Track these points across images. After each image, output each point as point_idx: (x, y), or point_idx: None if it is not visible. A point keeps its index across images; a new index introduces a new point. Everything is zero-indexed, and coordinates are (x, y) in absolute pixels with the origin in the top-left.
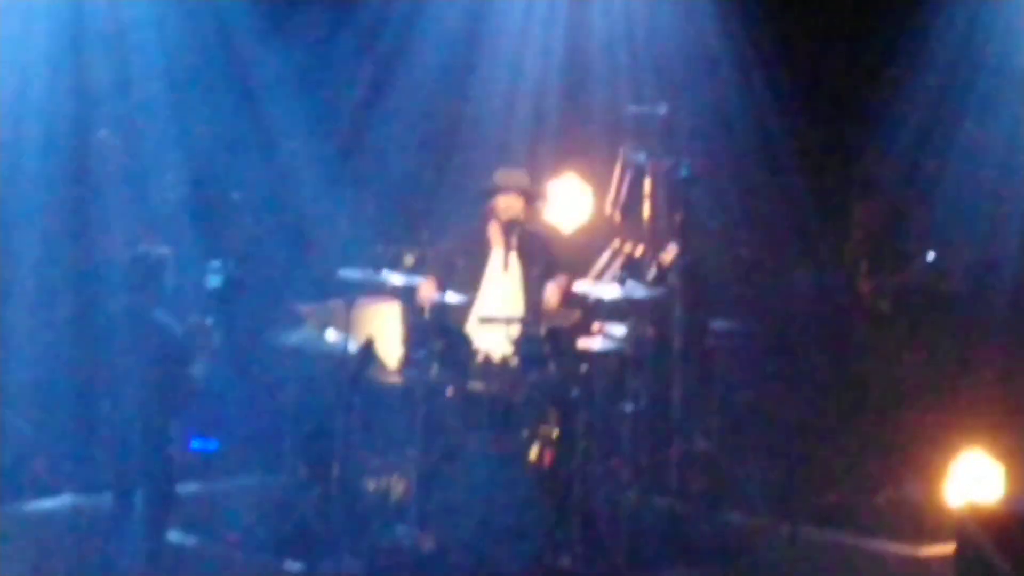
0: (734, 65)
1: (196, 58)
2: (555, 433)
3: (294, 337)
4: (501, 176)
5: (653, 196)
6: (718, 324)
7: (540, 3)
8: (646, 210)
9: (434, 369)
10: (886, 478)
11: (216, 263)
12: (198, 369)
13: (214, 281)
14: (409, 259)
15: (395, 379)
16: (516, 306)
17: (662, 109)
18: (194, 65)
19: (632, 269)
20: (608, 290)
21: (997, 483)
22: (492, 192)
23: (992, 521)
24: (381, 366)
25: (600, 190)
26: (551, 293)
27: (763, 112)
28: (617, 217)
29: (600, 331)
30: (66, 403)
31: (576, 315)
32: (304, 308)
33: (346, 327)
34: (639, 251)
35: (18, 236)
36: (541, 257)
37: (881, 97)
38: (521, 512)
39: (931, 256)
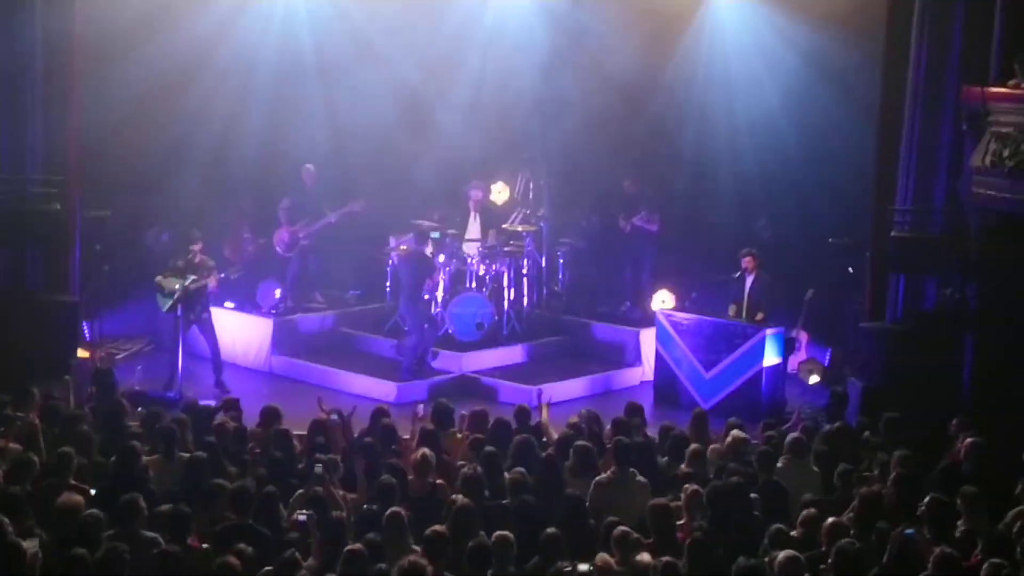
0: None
1: None
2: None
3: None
4: (473, 184)
5: (534, 190)
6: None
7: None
8: (530, 196)
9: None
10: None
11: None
12: None
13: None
14: (436, 216)
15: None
16: (478, 235)
17: (534, 153)
18: None
19: (524, 218)
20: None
21: (671, 302)
22: (469, 190)
23: (669, 317)
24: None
25: (513, 188)
26: (490, 235)
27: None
28: (518, 198)
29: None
30: None
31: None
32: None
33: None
34: (527, 213)
35: None
36: (488, 217)
37: None
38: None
39: None
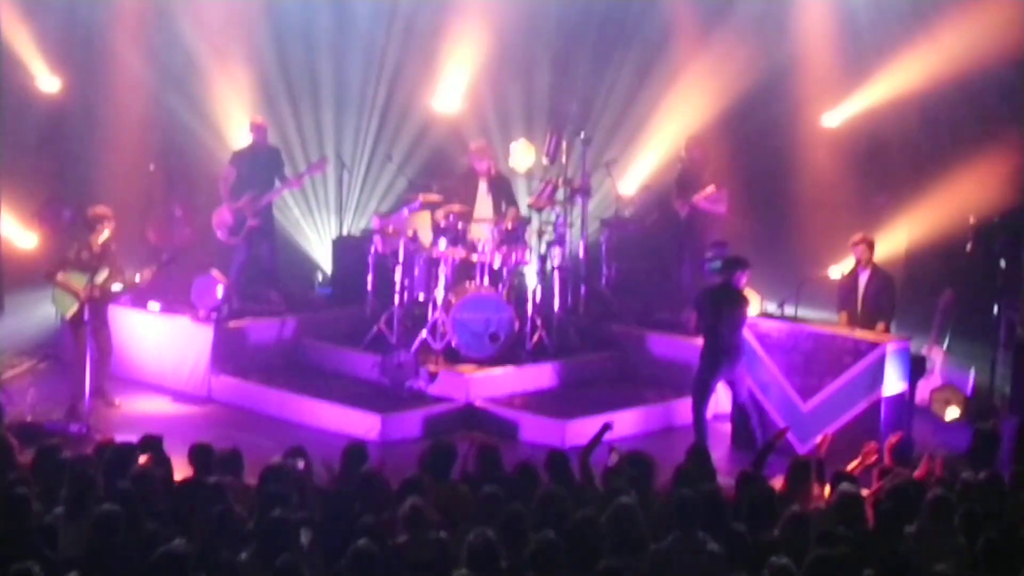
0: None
1: None
2: None
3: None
4: (479, 144)
5: (567, 151)
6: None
7: None
8: (563, 158)
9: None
10: None
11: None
12: None
13: None
14: (435, 188)
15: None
16: (490, 213)
17: (573, 107)
18: None
19: (554, 188)
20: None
21: (754, 305)
22: (473, 153)
23: (753, 327)
24: (422, 243)
25: (539, 148)
26: (510, 213)
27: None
28: (547, 162)
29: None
30: None
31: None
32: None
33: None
34: (559, 180)
35: None
36: (504, 190)
37: None
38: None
39: None
